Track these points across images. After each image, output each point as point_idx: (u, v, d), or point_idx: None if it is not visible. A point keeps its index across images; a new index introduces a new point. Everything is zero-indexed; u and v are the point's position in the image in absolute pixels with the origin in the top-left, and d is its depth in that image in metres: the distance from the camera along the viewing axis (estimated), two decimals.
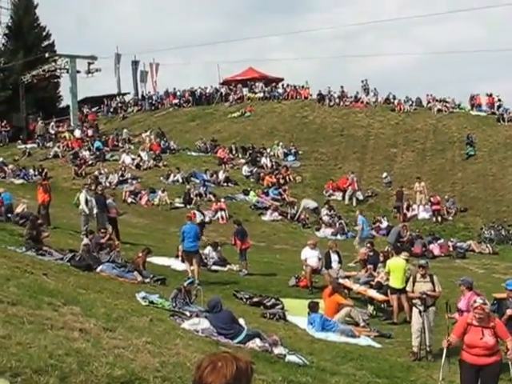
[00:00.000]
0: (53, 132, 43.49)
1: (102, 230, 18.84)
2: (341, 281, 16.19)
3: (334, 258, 17.66)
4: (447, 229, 29.78)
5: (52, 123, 44.80)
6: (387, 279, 15.00)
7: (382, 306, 15.70)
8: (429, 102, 45.65)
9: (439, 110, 43.47)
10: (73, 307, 8.74)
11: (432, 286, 12.83)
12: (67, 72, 45.62)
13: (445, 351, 9.22)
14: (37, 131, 43.13)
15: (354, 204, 32.44)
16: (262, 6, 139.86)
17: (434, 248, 25.54)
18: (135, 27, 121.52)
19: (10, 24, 55.35)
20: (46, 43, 55.51)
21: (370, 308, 15.52)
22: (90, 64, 45.60)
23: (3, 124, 44.24)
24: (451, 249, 26.11)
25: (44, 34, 55.98)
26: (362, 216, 25.35)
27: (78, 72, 45.52)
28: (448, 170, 36.12)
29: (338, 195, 33.24)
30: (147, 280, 14.99)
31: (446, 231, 29.33)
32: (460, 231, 29.79)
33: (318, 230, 28.01)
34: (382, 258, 16.79)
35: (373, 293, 15.62)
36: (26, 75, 47.27)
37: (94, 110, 51.63)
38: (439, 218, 30.40)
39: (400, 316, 14.45)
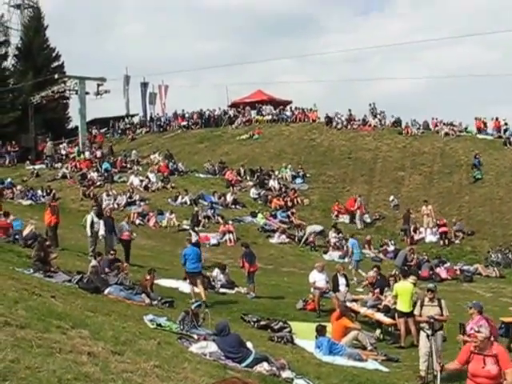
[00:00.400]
0: (64, 152, 43.74)
1: (111, 252, 18.88)
2: (348, 304, 16.17)
3: (342, 281, 17.65)
4: (454, 252, 29.75)
5: (64, 144, 45.15)
6: (394, 303, 14.98)
7: (390, 329, 15.66)
8: (436, 126, 45.73)
9: (446, 134, 43.58)
10: (81, 330, 8.70)
11: (440, 310, 12.78)
12: (76, 93, 45.87)
13: (439, 375, 9.17)
14: (46, 152, 43.40)
15: (361, 227, 32.48)
16: (271, 29, 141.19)
17: (441, 271, 25.53)
18: (144, 49, 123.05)
19: (19, 45, 56.02)
20: (55, 64, 56.09)
21: (378, 332, 15.45)
22: (99, 85, 45.81)
23: (12, 144, 44.52)
24: (458, 272, 26.07)
25: (53, 55, 56.61)
26: (354, 239, 25.34)
27: (87, 93, 45.80)
28: (455, 193, 36.09)
29: (346, 218, 33.28)
30: (155, 302, 15.00)
31: (453, 254, 29.32)
32: (467, 254, 29.70)
33: (325, 252, 27.98)
34: (392, 282, 16.76)
35: (380, 316, 15.58)
36: (35, 96, 47.56)
37: (102, 131, 52.00)
38: (446, 241, 30.32)
39: (407, 340, 14.40)
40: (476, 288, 23.73)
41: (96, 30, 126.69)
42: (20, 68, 54.42)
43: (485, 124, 45.02)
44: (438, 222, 31.17)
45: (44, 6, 61.02)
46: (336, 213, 33.84)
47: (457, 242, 30.64)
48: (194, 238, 23.21)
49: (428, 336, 11.78)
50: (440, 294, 14.04)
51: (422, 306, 12.67)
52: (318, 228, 29.95)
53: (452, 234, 30.85)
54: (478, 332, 7.87)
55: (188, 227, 29.31)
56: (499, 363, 7.75)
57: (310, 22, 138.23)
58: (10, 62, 55.79)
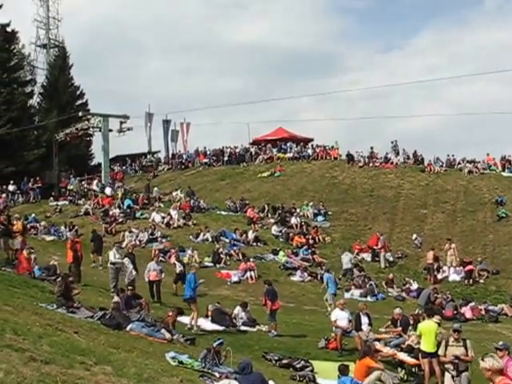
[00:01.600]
0: (97, 189, 44.20)
1: (129, 287, 19.02)
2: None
3: (364, 320, 17.55)
4: (479, 291, 29.26)
5: (95, 181, 45.73)
6: (418, 342, 14.82)
7: (413, 369, 15.41)
8: (459, 163, 45.62)
9: (470, 171, 43.52)
10: (104, 366, 8.75)
11: (465, 350, 12.64)
12: (100, 130, 46.76)
13: None
14: (72, 188, 44.06)
15: (383, 266, 32.29)
16: (292, 67, 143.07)
17: (466, 311, 25.20)
18: (167, 87, 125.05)
19: (45, 83, 57.54)
20: (79, 102, 57.65)
21: (401, 372, 15.26)
22: (122, 123, 46.70)
23: (36, 181, 45.14)
24: (483, 312, 25.66)
25: (78, 93, 58.24)
26: (329, 273, 25.26)
27: (111, 130, 46.66)
28: (479, 231, 35.77)
29: (367, 256, 33.09)
30: (175, 337, 15.03)
31: (477, 294, 28.82)
32: (492, 294, 29.16)
33: (347, 290, 27.82)
34: (412, 322, 16.65)
35: (403, 356, 15.39)
36: (59, 133, 48.65)
37: (124, 167, 52.62)
38: (471, 281, 29.95)
39: (431, 381, 14.16)
40: (502, 329, 23.30)
41: (119, 69, 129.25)
42: (45, 106, 55.82)
43: (509, 162, 44.88)
44: (464, 260, 30.90)
45: (69, 45, 62.50)
46: (357, 251, 33.62)
47: (481, 281, 30.22)
48: (177, 269, 24.68)
49: (453, 377, 11.62)
50: (465, 334, 13.93)
51: (446, 346, 12.56)
52: (346, 264, 30.03)
53: (476, 273, 30.49)
54: (482, 360, 7.44)
55: (211, 264, 29.55)
56: None
57: (331, 60, 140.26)
58: (35, 100, 57.45)
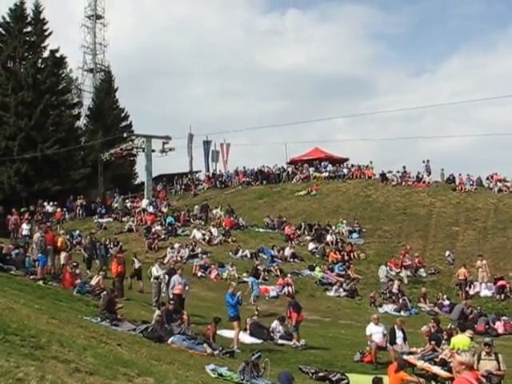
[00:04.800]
0: (145, 207, 44.58)
1: (171, 302, 19.49)
2: (405, 357, 16.19)
3: (399, 334, 17.75)
4: (510, 306, 28.95)
5: (144, 199, 46.38)
6: (451, 356, 14.98)
7: (447, 383, 15.50)
8: (488, 180, 45.66)
9: (499, 190, 43.55)
10: (146, 378, 8.94)
11: (497, 364, 12.83)
12: (143, 151, 47.56)
13: None
14: (117, 206, 44.94)
15: (406, 281, 32.23)
16: (328, 91, 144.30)
17: (499, 326, 25.13)
18: (207, 109, 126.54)
19: (91, 106, 59.19)
20: (124, 124, 59.04)
21: None
22: (164, 143, 47.49)
23: (82, 199, 46.10)
24: None
25: (122, 115, 59.59)
26: (254, 277, 26.58)
27: (153, 151, 47.40)
28: (510, 248, 35.62)
29: (401, 272, 33.05)
30: (216, 352, 15.18)
31: (508, 309, 28.53)
32: None
33: (380, 305, 28.05)
34: (445, 336, 16.80)
35: (437, 369, 15.54)
36: (104, 153, 49.76)
37: (166, 187, 53.58)
38: (502, 296, 29.76)
39: None
40: None
41: (162, 92, 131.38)
42: (91, 127, 57.33)
43: None
44: (496, 275, 30.81)
45: (114, 69, 64.28)
46: (392, 266, 33.60)
47: None
48: (136, 265, 26.06)
49: None
50: (497, 349, 14.10)
51: (478, 360, 12.74)
52: (383, 278, 30.31)
53: (508, 288, 30.34)
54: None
55: (248, 280, 29.94)
56: None
57: (365, 84, 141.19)
58: (82, 122, 59.08)
